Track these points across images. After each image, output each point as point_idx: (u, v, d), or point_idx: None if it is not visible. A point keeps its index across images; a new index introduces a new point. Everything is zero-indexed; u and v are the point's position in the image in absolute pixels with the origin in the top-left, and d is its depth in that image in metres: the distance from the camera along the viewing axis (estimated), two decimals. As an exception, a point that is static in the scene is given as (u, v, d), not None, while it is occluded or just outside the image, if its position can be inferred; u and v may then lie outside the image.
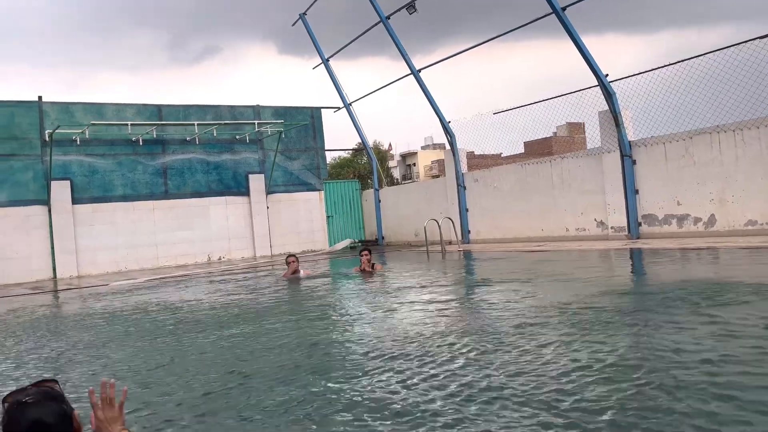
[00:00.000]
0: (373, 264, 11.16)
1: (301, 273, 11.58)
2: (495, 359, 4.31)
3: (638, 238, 13.51)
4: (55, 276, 16.85)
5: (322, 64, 22.15)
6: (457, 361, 4.35)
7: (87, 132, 17.09)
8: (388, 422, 3.26)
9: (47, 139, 16.60)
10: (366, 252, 11.19)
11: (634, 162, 13.67)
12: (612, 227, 14.19)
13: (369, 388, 3.89)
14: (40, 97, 17.37)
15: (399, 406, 3.48)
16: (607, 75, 13.52)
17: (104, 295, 11.74)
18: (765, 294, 6.04)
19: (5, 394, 1.95)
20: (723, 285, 6.74)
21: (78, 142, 17.47)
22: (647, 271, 9.58)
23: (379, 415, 3.37)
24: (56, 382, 2.05)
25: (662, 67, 12.71)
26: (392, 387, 3.86)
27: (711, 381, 3.43)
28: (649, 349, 4.25)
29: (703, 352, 4.03)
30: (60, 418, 1.90)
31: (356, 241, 22.07)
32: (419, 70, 18.50)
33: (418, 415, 3.32)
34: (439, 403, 3.48)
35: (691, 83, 12.11)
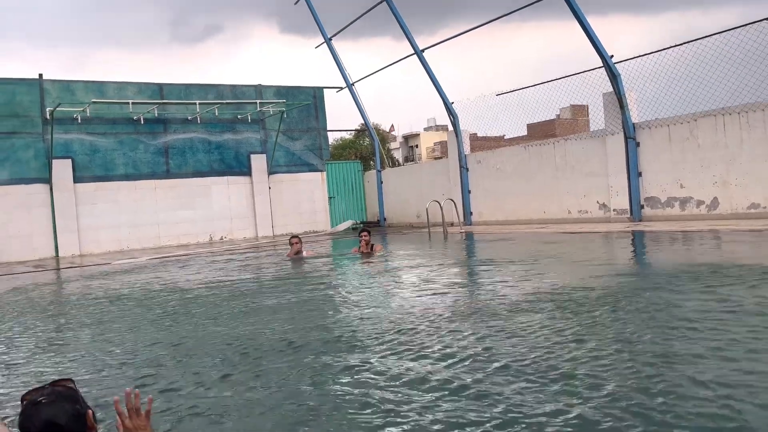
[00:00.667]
0: (372, 245, 11.16)
1: (304, 253, 11.60)
2: (497, 339, 4.32)
3: (640, 220, 13.49)
4: (57, 254, 16.90)
5: (325, 44, 21.96)
6: (456, 339, 4.37)
7: (88, 110, 17.02)
8: (389, 402, 3.28)
9: (48, 117, 16.55)
10: (365, 233, 11.17)
11: (637, 144, 13.59)
12: (614, 210, 14.16)
13: (367, 367, 3.91)
14: (40, 75, 17.27)
15: (398, 387, 3.50)
16: (612, 56, 13.40)
17: (106, 274, 11.78)
18: (765, 276, 6.04)
19: (24, 392, 2.03)
20: (724, 267, 6.73)
21: (79, 121, 17.41)
22: (649, 253, 9.58)
23: (379, 396, 3.39)
24: (72, 381, 2.12)
25: (667, 48, 12.59)
26: (390, 366, 3.87)
27: (714, 361, 3.44)
28: (649, 329, 4.26)
29: (703, 330, 4.04)
30: (73, 419, 1.96)
31: (358, 222, 22.07)
32: (423, 50, 18.34)
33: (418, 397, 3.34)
34: (435, 384, 3.50)
35: (697, 65, 12.00)
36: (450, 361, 3.84)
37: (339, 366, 3.94)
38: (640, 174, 13.59)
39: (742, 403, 2.82)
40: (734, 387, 3.02)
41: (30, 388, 2.06)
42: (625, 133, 13.65)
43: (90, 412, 2.05)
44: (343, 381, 3.64)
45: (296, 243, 11.49)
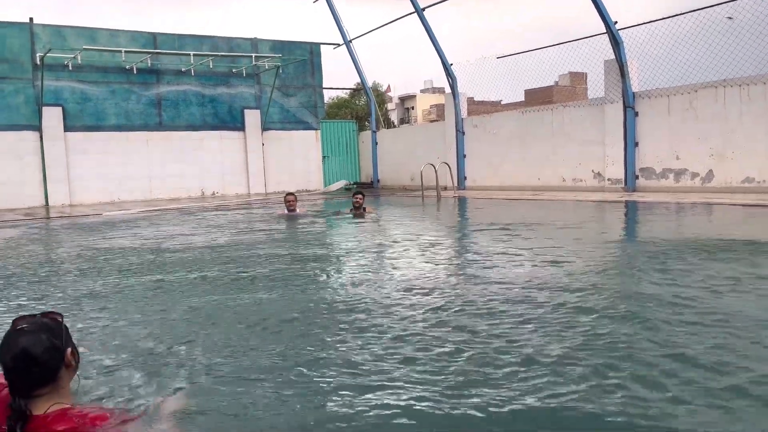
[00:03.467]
0: (364, 207, 11.17)
1: (297, 211, 11.56)
2: (484, 306, 4.32)
3: (634, 191, 13.49)
4: (47, 203, 16.76)
5: (323, -2, 21.45)
6: (444, 306, 4.37)
7: (79, 57, 16.66)
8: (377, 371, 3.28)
9: (38, 62, 16.18)
10: (359, 195, 11.17)
11: (636, 114, 13.49)
12: (609, 179, 14.14)
13: (353, 334, 3.91)
14: (31, 19, 16.83)
15: (380, 354, 3.50)
16: (616, 22, 13.18)
17: (96, 225, 11.70)
18: (754, 251, 6.07)
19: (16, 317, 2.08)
20: (714, 240, 6.76)
21: (70, 68, 17.04)
22: (640, 223, 9.61)
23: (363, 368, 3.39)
24: (61, 315, 2.15)
25: (674, 16, 12.39)
26: (372, 338, 3.88)
27: (697, 337, 3.46)
28: (635, 300, 4.27)
29: (687, 302, 4.06)
30: (48, 352, 2.00)
31: (351, 182, 21.98)
32: (423, 9, 17.95)
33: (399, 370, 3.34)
34: (419, 357, 3.50)
35: (702, 35, 11.82)
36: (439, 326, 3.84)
37: (325, 336, 3.94)
38: (636, 144, 13.53)
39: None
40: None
41: (23, 314, 2.08)
42: (624, 102, 13.53)
43: (69, 349, 2.06)
44: (326, 354, 3.64)
45: (291, 201, 11.42)
